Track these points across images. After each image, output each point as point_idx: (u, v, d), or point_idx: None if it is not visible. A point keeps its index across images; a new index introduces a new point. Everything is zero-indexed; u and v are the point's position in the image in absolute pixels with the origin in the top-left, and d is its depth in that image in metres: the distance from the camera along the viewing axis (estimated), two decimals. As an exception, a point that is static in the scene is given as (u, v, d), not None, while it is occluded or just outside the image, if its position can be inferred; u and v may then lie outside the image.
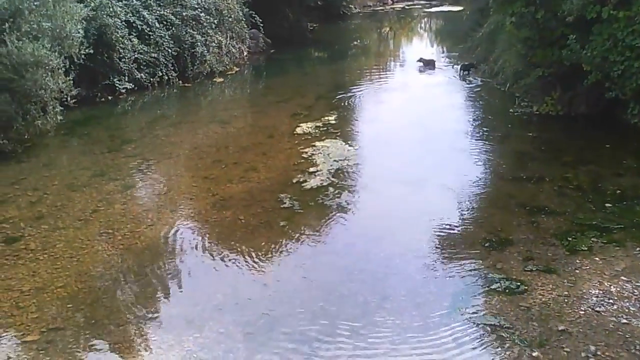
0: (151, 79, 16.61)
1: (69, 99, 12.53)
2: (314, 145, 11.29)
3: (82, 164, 10.85)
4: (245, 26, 21.06)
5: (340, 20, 32.22)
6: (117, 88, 15.65)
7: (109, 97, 15.44)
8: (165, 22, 17.58)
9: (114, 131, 12.74)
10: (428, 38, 29.73)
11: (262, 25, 21.91)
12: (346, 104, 14.81)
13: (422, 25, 34.14)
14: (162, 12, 17.57)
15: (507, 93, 14.69)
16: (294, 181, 9.64)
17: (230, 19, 19.96)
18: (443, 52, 23.57)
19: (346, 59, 22.91)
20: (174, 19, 17.67)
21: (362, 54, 24.34)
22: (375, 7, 38.50)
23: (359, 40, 28.25)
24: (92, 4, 15.13)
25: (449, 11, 35.00)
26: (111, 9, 15.55)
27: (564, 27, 11.81)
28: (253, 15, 21.81)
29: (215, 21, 19.24)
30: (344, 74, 19.25)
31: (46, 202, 9.13)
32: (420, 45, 26.47)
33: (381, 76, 18.78)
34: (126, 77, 15.94)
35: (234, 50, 19.56)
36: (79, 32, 13.29)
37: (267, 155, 10.92)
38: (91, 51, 13.93)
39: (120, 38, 15.56)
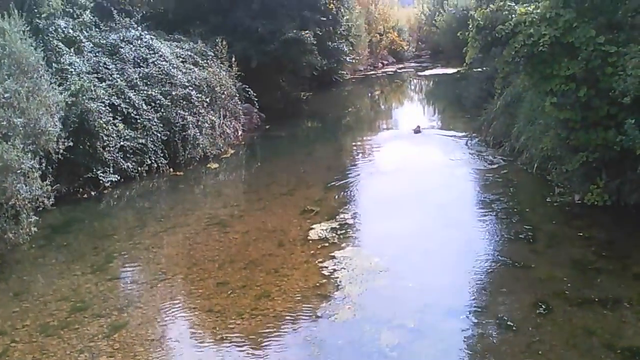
0: (139, 168, 15.01)
1: (46, 201, 10.69)
2: (334, 257, 9.64)
3: (60, 291, 9.06)
4: (239, 102, 19.42)
5: (333, 87, 31.01)
6: (102, 181, 13.94)
7: (92, 193, 13.73)
8: (153, 104, 16.02)
9: (99, 240, 10.96)
10: (424, 106, 28.32)
11: (256, 99, 20.15)
12: (360, 193, 13.30)
13: (416, 92, 32.79)
14: (149, 92, 16.05)
15: (538, 176, 13.03)
16: (318, 314, 7.85)
17: (223, 96, 18.37)
18: (445, 122, 21.89)
19: (342, 131, 21.73)
20: (163, 99, 16.17)
21: (357, 124, 23.01)
22: (366, 72, 37.43)
23: (352, 107, 26.88)
24: (73, 88, 13.42)
25: (442, 74, 33.82)
26: (93, 92, 13.85)
27: (609, 106, 10.19)
28: (247, 89, 20.16)
29: (208, 99, 17.70)
30: (346, 152, 17.65)
31: (14, 356, 7.17)
32: (417, 114, 25.00)
33: (388, 152, 17.26)
34: (111, 168, 14.30)
35: (228, 130, 17.92)
36: (56, 125, 11.54)
37: (280, 273, 9.16)
38: (71, 143, 12.18)
39: (103, 124, 13.90)
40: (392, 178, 14.40)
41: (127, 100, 15.47)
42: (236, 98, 19.45)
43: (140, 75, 16.50)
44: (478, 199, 12.21)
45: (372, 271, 9.04)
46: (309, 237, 10.58)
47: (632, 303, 7.66)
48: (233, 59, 20.36)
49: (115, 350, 7.35)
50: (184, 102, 16.92)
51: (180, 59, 18.76)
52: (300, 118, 23.39)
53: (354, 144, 18.94)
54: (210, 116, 17.61)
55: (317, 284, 8.73)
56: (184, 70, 17.76)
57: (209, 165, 16.08)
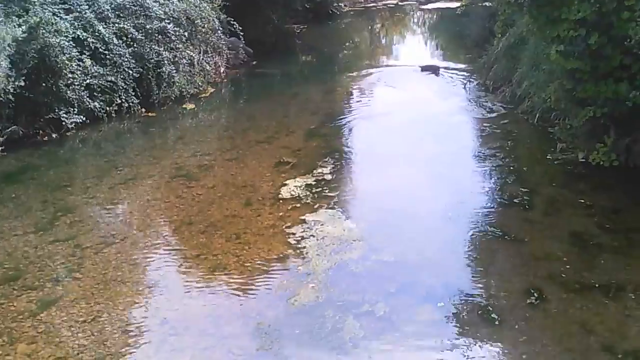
0: (107, 108, 13.78)
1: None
2: (304, 222, 8.53)
3: (-6, 253, 7.86)
4: (222, 36, 17.97)
5: (330, 20, 29.24)
6: (64, 123, 12.67)
7: (54, 135, 12.44)
8: (125, 38, 14.60)
9: (50, 193, 9.91)
10: (426, 41, 26.72)
11: (242, 33, 18.66)
12: (343, 143, 12.21)
13: (419, 26, 31.05)
14: (121, 25, 14.64)
15: (539, 128, 11.81)
16: (277, 294, 6.74)
17: (203, 29, 16.89)
18: (446, 60, 20.37)
19: (338, 68, 20.07)
20: (136, 33, 14.72)
21: (355, 61, 21.36)
22: (366, 4, 35.43)
23: (351, 42, 25.33)
24: (32, 21, 12.05)
25: (446, 8, 31.94)
26: (54, 26, 12.46)
27: (623, 56, 8.89)
28: (231, 22, 18.63)
29: (186, 33, 16.25)
30: (337, 93, 16.46)
31: None
32: (418, 50, 23.46)
33: (379, 95, 15.95)
34: (75, 108, 12.99)
35: (208, 67, 16.53)
36: (3, 63, 10.28)
37: (242, 240, 8.12)
38: (22, 82, 11.14)
39: (66, 60, 12.53)
40: (382, 126, 13.20)
41: (97, 34, 14.06)
42: (219, 32, 17.96)
43: (112, 6, 15.02)
44: (472, 154, 11.07)
45: (344, 241, 7.94)
46: (280, 196, 9.47)
47: (637, 291, 6.53)
48: (215, -12, 18.66)
49: (39, 335, 6.32)
50: (160, 36, 15.54)
51: None
52: (292, 54, 21.94)
53: (346, 83, 17.57)
54: (189, 52, 16.20)
55: (281, 255, 7.70)
56: (161, 1, 16.18)
57: (185, 106, 14.83)
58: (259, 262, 7.60)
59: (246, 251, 7.88)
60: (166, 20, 15.77)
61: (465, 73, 17.05)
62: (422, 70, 17.33)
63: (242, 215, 8.92)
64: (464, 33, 21.96)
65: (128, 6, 15.31)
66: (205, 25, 17.23)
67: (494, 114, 13.37)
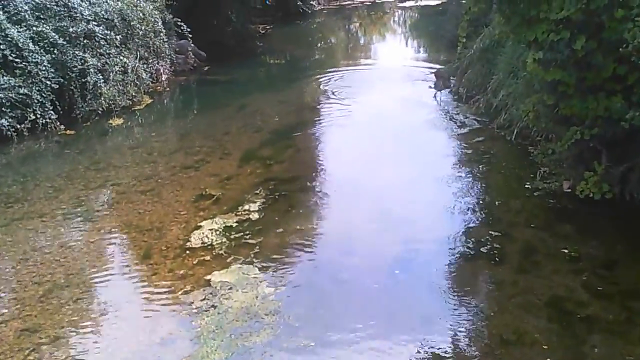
0: (18, 126, 11.71)
1: None
2: (209, 284, 6.62)
3: None
4: (166, 39, 15.93)
5: (301, 19, 27.22)
6: (-38, 144, 10.53)
7: (-55, 160, 10.26)
8: (44, 43, 12.40)
9: None
10: (402, 41, 24.73)
11: (190, 35, 16.65)
12: (284, 170, 10.27)
13: (396, 25, 29.03)
14: (40, 29, 12.51)
15: (518, 147, 9.89)
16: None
17: (142, 32, 14.78)
18: (421, 61, 18.38)
19: (300, 74, 17.88)
20: (57, 37, 12.50)
21: (322, 64, 19.23)
22: (342, 2, 33.38)
23: (321, 43, 23.27)
24: None
25: (425, 6, 29.95)
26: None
27: (616, 65, 6.91)
28: (179, 23, 16.53)
29: (120, 37, 14.14)
30: (291, 104, 14.26)
31: None
32: (392, 52, 21.43)
33: (338, 106, 13.88)
34: (-26, 127, 10.90)
35: (145, 74, 14.39)
36: None
37: (119, 314, 5.99)
38: None
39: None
40: (333, 146, 11.34)
41: (8, 40, 11.98)
42: (162, 34, 15.80)
43: (31, 6, 12.90)
44: (435, 182, 9.16)
45: (254, 315, 5.99)
46: (189, 243, 7.56)
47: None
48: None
49: None
50: (86, 41, 13.41)
51: None
52: (252, 57, 19.87)
53: (305, 91, 15.56)
54: (123, 58, 14.02)
55: (160, 342, 5.50)
56: (91, 1, 14.06)
57: (111, 121, 12.81)
58: (128, 353, 5.46)
59: (121, 332, 5.74)
60: (94, 22, 13.62)
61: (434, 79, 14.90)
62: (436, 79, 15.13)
63: (133, 274, 6.93)
64: (442, 32, 19.92)
65: (50, 6, 13.21)
66: (145, 27, 15.10)
67: (466, 129, 11.40)
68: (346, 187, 9.16)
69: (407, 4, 32.11)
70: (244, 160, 10.41)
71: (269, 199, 8.79)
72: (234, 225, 7.97)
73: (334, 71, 17.34)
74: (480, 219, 7.93)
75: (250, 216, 8.22)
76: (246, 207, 8.50)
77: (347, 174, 9.71)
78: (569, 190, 8.39)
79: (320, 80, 16.14)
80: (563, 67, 7.53)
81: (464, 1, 15.73)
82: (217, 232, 7.77)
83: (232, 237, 7.66)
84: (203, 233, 7.77)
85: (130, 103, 13.74)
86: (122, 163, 10.73)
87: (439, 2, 28.95)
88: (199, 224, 8.07)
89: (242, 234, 7.75)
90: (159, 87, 15.34)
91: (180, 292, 6.53)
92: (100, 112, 13.03)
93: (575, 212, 7.89)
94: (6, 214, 8.78)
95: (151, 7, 16.09)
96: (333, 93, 14.68)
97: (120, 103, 13.58)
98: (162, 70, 15.82)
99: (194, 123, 13.04)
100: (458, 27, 13.05)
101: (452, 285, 6.45)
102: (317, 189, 9.20)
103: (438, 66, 15.97)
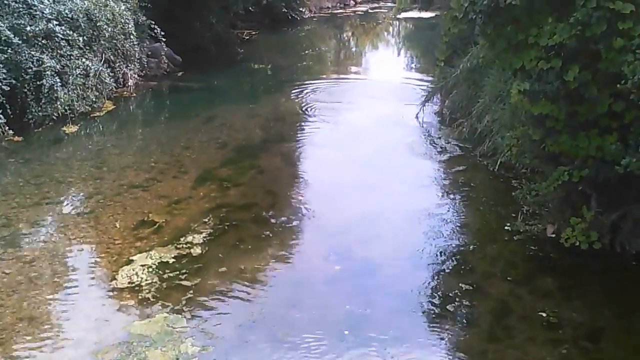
0: (-39, 131, 10.50)
1: None
2: (126, 336, 5.31)
3: None
4: (136, 42, 14.87)
5: (289, 26, 26.14)
6: None
7: None
8: (-3, 42, 11.38)
9: None
10: (393, 54, 23.81)
11: (164, 39, 15.60)
12: (240, 194, 9.30)
13: (388, 36, 28.06)
14: (-7, 26, 11.40)
15: (500, 180, 8.94)
16: None
17: (110, 33, 13.74)
18: (408, 77, 17.40)
19: (278, 84, 16.85)
20: (12, 36, 11.42)
21: (302, 75, 18.22)
22: (334, 10, 32.42)
23: (307, 52, 22.18)
24: None
25: (418, 18, 29.01)
26: None
27: (612, 100, 5.95)
28: (152, 25, 15.48)
29: (84, 38, 13.12)
30: (262, 118, 13.29)
31: None
32: (380, 64, 20.47)
33: (313, 122, 13.02)
34: None
35: (109, 79, 13.31)
36: None
37: None
38: None
39: None
40: (301, 169, 10.35)
41: (-45, 36, 10.90)
42: (133, 36, 14.76)
43: (-14, 2, 11.90)
44: (406, 220, 8.20)
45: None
46: (114, 283, 6.64)
47: None
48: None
49: None
50: (45, 41, 12.28)
51: None
52: (232, 64, 18.83)
53: (280, 103, 14.55)
54: (85, 60, 12.94)
55: None
56: None
57: (65, 128, 11.69)
58: None
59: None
60: (56, 22, 12.55)
61: (422, 95, 13.87)
62: None
63: (43, 319, 5.78)
64: (434, 45, 18.91)
65: (7, 2, 12.11)
66: (113, 29, 14.05)
67: (446, 156, 10.48)
68: (306, 220, 8.21)
69: (401, 15, 31.15)
70: (200, 180, 9.41)
71: (217, 229, 7.79)
72: (171, 261, 6.97)
73: (318, 82, 16.43)
74: (451, 267, 6.96)
75: (192, 250, 7.22)
76: (189, 238, 7.50)
77: (309, 203, 8.72)
78: (553, 235, 7.49)
79: (301, 92, 15.18)
80: (552, 100, 6.61)
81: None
82: (150, 270, 6.76)
83: (165, 276, 6.66)
84: (134, 270, 6.77)
85: (90, 109, 12.70)
86: (66, 178, 9.70)
87: (433, 14, 28.00)
88: (132, 258, 7.08)
89: (177, 272, 6.75)
90: (125, 93, 14.30)
91: (90, 345, 5.43)
92: (55, 117, 12.00)
93: (559, 264, 6.97)
94: None
95: (122, 7, 15.05)
96: (312, 107, 13.73)
97: (78, 109, 12.48)
98: (129, 75, 14.73)
99: (154, 134, 12.01)
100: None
101: (408, 354, 5.40)
102: (274, 219, 8.19)
103: (428, 80, 14.97)
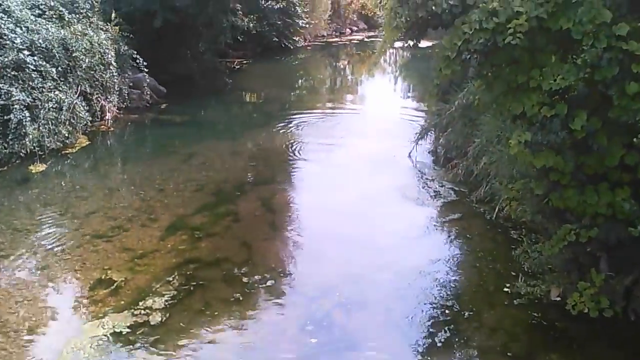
0: None
1: None
2: None
3: None
4: (116, 72, 14.14)
5: (282, 55, 25.43)
6: None
7: None
8: (-39, 74, 10.66)
9: None
10: (395, 83, 23.05)
11: (147, 70, 14.86)
12: (212, 247, 8.44)
13: (384, 66, 27.29)
14: (-43, 57, 10.73)
15: (499, 230, 8.12)
16: None
17: (87, 64, 12.97)
18: (402, 110, 16.61)
19: (265, 117, 16.12)
20: None
21: (291, 108, 17.47)
22: (329, 38, 31.78)
23: (300, 82, 21.44)
24: None
25: (415, 47, 28.14)
26: None
27: (626, 151, 5.15)
28: (134, 56, 14.73)
29: (58, 69, 12.36)
30: (244, 156, 12.55)
31: None
32: (384, 95, 19.70)
33: (301, 160, 12.38)
34: None
35: (83, 113, 12.49)
36: None
37: None
38: None
39: None
40: (278, 221, 9.45)
41: None
42: (112, 67, 13.97)
43: (-49, 30, 11.20)
44: (393, 281, 7.39)
45: None
46: (57, 360, 5.41)
47: None
48: (113, 14, 14.83)
49: None
50: (15, 73, 11.51)
51: (38, 10, 13.34)
52: (218, 96, 18.05)
53: (265, 139, 13.69)
54: (59, 92, 12.16)
55: None
56: (29, 26, 12.39)
57: (32, 167, 10.86)
58: None
59: None
60: (27, 52, 11.78)
61: (417, 130, 13.04)
62: None
63: None
64: (430, 76, 18.16)
65: (-26, 31, 11.39)
66: (91, 59, 13.29)
67: (440, 201, 9.64)
68: (283, 279, 7.39)
69: (398, 44, 30.37)
70: (170, 230, 8.57)
71: (181, 290, 6.93)
72: (125, 331, 6.12)
73: (308, 114, 15.69)
74: (441, 341, 6.08)
75: (150, 318, 6.36)
76: (149, 302, 6.64)
77: (287, 258, 7.93)
78: (558, 298, 6.69)
79: (289, 126, 14.41)
80: (557, 151, 5.80)
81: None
82: (99, 344, 5.92)
83: (115, 353, 5.68)
84: (81, 344, 5.93)
85: (62, 145, 11.90)
86: (25, 225, 8.84)
87: (431, 44, 27.28)
88: (83, 326, 6.12)
89: (130, 347, 5.80)
90: (102, 127, 13.54)
91: None
92: (22, 154, 11.10)
93: (564, 334, 6.14)
94: None
95: (103, 36, 14.31)
96: (299, 144, 12.97)
97: (48, 145, 11.68)
98: (108, 107, 13.94)
99: (128, 174, 11.19)
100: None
101: None
102: (246, 278, 7.35)
103: (424, 110, 14.18)
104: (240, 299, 6.91)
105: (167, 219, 9.02)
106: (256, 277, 7.38)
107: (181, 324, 6.36)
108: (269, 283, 7.25)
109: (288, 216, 9.46)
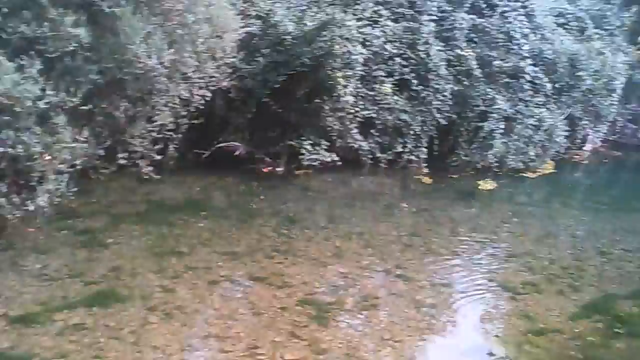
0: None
1: None
2: None
3: None
4: (616, 101, 12.78)
5: None
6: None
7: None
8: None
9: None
10: None
11: None
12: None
13: None
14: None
15: None
16: None
17: (586, 86, 12.40)
18: None
19: None
20: (475, 66, 10.99)
21: None
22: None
23: None
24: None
25: None
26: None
27: None
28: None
29: (553, 85, 12.31)
30: None
31: None
32: None
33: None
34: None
35: (559, 138, 11.92)
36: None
37: None
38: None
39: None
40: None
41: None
42: (615, 95, 13.00)
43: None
44: None
45: None
46: None
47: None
48: None
49: None
50: (507, 80, 11.70)
51: (562, 19, 13.27)
52: None
53: None
54: (544, 110, 11.78)
55: None
56: (545, 34, 12.42)
57: (480, 182, 10.71)
58: None
59: None
60: (529, 60, 12.07)
61: None
62: None
63: None
64: None
65: (492, 33, 11.55)
66: (594, 81, 12.52)
67: None
68: None
69: None
70: (587, 309, 7.11)
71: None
72: None
73: None
74: None
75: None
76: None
77: None
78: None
79: None
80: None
81: None
82: None
83: None
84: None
85: (523, 166, 11.24)
86: (439, 247, 8.22)
87: None
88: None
89: None
90: (576, 156, 12.48)
91: None
92: (479, 167, 10.62)
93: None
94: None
95: (619, 59, 13.11)
96: None
97: (509, 163, 11.02)
98: (591, 138, 12.54)
99: (575, 221, 9.69)
100: None
101: None
102: None
103: None
104: None
105: (592, 292, 7.38)
106: None
107: None
108: None
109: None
